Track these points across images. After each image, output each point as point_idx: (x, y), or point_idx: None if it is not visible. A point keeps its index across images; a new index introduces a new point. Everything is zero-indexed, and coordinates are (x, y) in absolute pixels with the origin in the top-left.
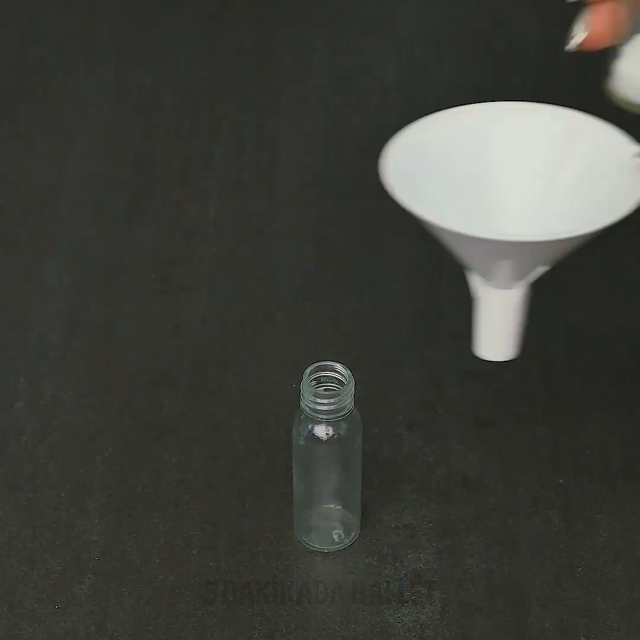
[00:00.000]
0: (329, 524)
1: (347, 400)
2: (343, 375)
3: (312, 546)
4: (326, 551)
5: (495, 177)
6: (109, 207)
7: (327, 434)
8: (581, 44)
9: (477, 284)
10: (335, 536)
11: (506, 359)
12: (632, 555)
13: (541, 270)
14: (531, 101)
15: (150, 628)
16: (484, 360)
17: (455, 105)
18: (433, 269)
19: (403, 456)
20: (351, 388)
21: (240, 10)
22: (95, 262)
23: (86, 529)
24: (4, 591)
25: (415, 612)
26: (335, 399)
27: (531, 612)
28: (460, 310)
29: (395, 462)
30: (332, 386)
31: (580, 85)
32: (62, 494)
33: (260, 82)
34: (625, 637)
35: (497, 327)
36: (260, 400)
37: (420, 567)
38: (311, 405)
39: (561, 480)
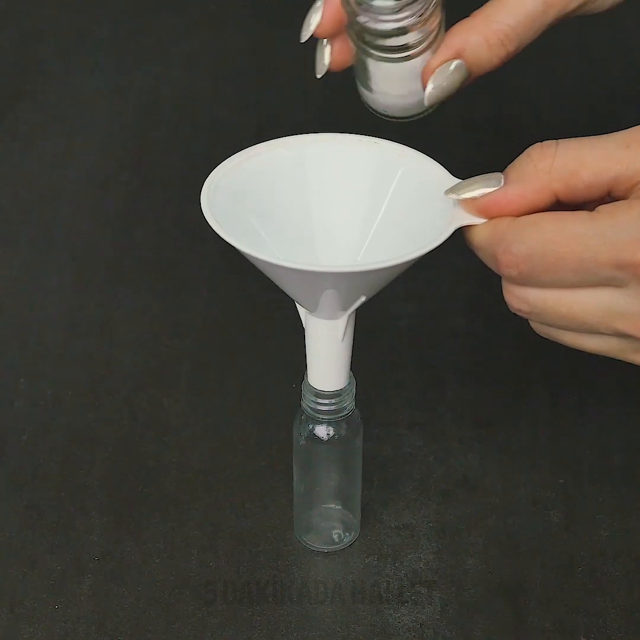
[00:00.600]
0: (329, 523)
1: (348, 400)
2: None
3: (312, 546)
4: (326, 551)
5: (317, 209)
6: (109, 207)
7: (327, 434)
8: (328, 68)
9: (303, 314)
10: (335, 536)
11: (336, 389)
12: (632, 555)
13: (362, 299)
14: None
15: (150, 628)
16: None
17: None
18: (433, 269)
19: (403, 456)
20: (352, 388)
21: (240, 10)
22: (95, 262)
23: (86, 529)
24: (4, 591)
25: (415, 612)
26: (337, 399)
27: (531, 612)
28: (460, 310)
29: (395, 462)
30: None
31: None
32: (62, 494)
33: (260, 82)
34: (625, 637)
35: (325, 357)
36: (260, 400)
37: (420, 567)
38: (312, 406)
39: (561, 480)
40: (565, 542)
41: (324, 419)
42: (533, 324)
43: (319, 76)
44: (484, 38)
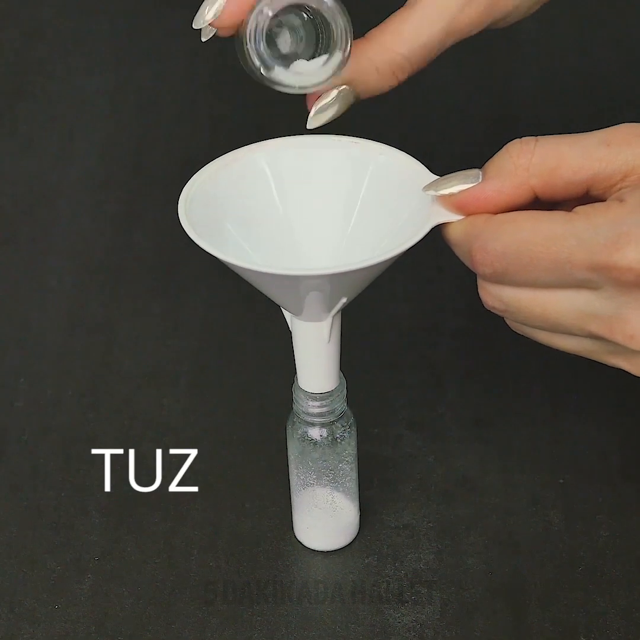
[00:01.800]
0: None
1: (339, 402)
2: None
3: (310, 548)
4: (326, 551)
5: (295, 213)
6: (109, 207)
7: (321, 436)
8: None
9: (289, 317)
10: None
11: (326, 391)
12: (632, 555)
13: (344, 300)
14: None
15: (150, 628)
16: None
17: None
18: (433, 269)
19: (403, 456)
20: (343, 389)
21: None
22: (95, 262)
23: (86, 529)
24: (4, 591)
25: (415, 612)
26: (327, 401)
27: (531, 612)
28: (460, 310)
29: (395, 462)
30: None
31: None
32: (62, 494)
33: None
34: (625, 637)
35: (314, 360)
36: (260, 400)
37: (420, 567)
38: (303, 408)
39: (561, 480)
40: (565, 542)
41: (316, 421)
42: (508, 321)
43: (203, 39)
44: (374, 67)
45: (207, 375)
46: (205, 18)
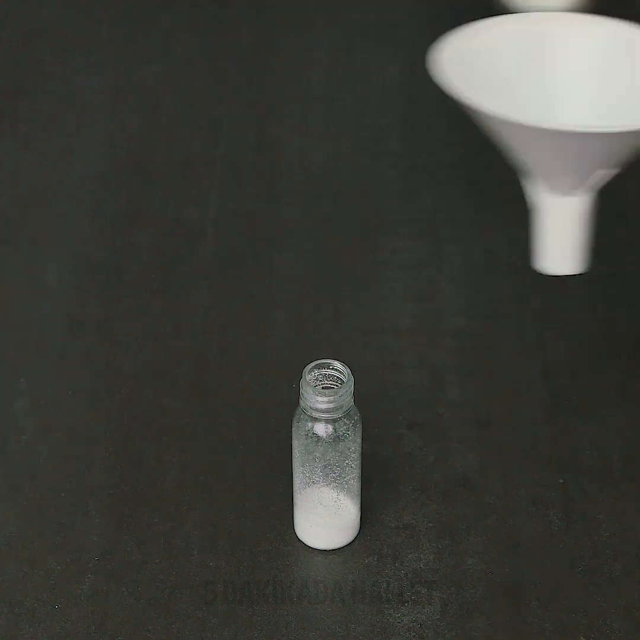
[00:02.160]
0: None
1: (347, 397)
2: (342, 373)
3: (312, 546)
4: (327, 550)
5: (553, 81)
6: (109, 207)
7: (326, 432)
8: None
9: (539, 192)
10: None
11: (571, 273)
12: (632, 555)
13: (602, 174)
14: None
15: (150, 628)
16: (547, 274)
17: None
18: (433, 269)
19: (403, 456)
20: (350, 385)
21: (240, 10)
22: (95, 262)
23: (86, 529)
24: (4, 591)
25: (415, 612)
26: (335, 396)
27: (531, 612)
28: (460, 310)
29: (395, 462)
30: (331, 384)
31: None
32: (62, 494)
33: (260, 82)
34: (625, 637)
35: (562, 238)
36: (260, 400)
37: (420, 567)
38: (311, 404)
39: (561, 480)
40: (565, 542)
41: (323, 416)
42: None
43: None
44: None
45: (207, 375)
46: None
